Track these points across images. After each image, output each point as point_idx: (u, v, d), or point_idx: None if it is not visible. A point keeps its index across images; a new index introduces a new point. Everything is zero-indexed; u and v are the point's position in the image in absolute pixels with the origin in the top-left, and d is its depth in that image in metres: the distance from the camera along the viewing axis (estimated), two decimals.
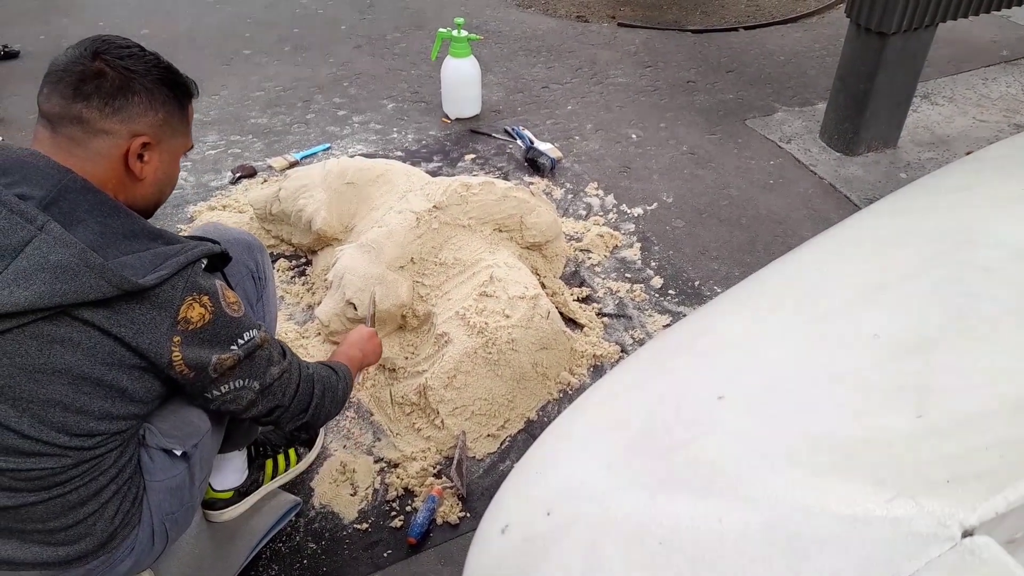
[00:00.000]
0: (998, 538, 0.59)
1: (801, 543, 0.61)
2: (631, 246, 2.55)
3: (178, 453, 1.22)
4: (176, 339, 1.06)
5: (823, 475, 0.67)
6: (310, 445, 1.79)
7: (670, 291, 2.36)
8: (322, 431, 1.83)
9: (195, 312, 1.07)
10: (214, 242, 1.16)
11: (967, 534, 0.58)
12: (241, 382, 1.17)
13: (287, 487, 1.73)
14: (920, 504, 0.60)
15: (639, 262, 2.48)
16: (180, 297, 1.05)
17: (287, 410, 1.27)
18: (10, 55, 3.86)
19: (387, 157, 3.02)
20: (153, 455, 1.21)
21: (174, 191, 2.75)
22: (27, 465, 1.03)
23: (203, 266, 1.12)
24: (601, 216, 2.71)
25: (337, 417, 1.89)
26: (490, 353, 1.86)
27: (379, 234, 2.08)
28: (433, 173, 2.88)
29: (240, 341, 1.14)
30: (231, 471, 1.61)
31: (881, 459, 0.67)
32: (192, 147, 1.25)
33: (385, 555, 1.61)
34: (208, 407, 1.21)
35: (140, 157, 1.10)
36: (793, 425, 0.74)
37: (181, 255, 1.06)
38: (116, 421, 1.08)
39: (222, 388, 1.16)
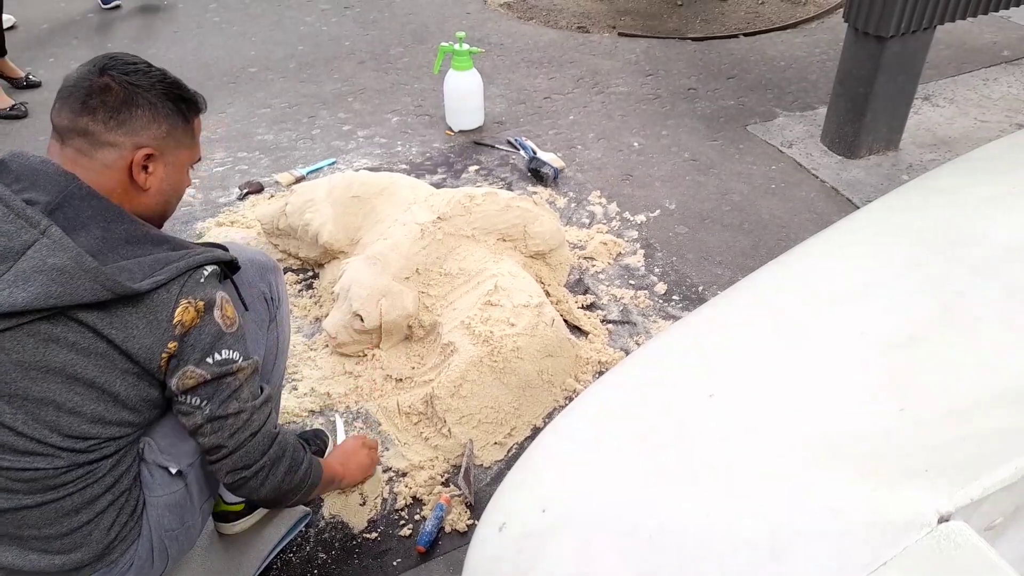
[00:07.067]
0: (977, 525, 0.61)
1: (784, 534, 0.63)
2: (634, 253, 2.57)
3: (173, 471, 1.22)
4: (172, 345, 1.07)
5: (807, 468, 0.69)
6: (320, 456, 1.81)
7: (674, 297, 2.38)
8: (330, 440, 1.85)
9: (188, 316, 1.08)
10: (223, 249, 1.18)
11: (943, 520, 0.59)
12: (196, 400, 1.13)
13: None
14: (898, 493, 0.62)
15: (642, 269, 2.50)
16: (175, 300, 1.07)
17: (230, 455, 1.17)
18: (32, 85, 3.87)
19: (392, 170, 3.05)
20: (152, 471, 1.22)
21: (183, 208, 2.81)
22: (21, 464, 1.05)
23: (207, 273, 1.12)
24: (604, 224, 2.73)
25: (342, 436, 1.91)
26: (496, 361, 1.88)
27: (384, 246, 2.12)
28: (437, 185, 2.92)
29: (217, 357, 1.12)
30: None
31: (863, 452, 0.69)
32: (200, 159, 1.27)
33: (395, 564, 1.62)
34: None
35: (144, 168, 1.13)
36: (780, 421, 0.76)
37: (182, 260, 1.08)
38: (108, 426, 1.10)
39: (183, 396, 1.13)
